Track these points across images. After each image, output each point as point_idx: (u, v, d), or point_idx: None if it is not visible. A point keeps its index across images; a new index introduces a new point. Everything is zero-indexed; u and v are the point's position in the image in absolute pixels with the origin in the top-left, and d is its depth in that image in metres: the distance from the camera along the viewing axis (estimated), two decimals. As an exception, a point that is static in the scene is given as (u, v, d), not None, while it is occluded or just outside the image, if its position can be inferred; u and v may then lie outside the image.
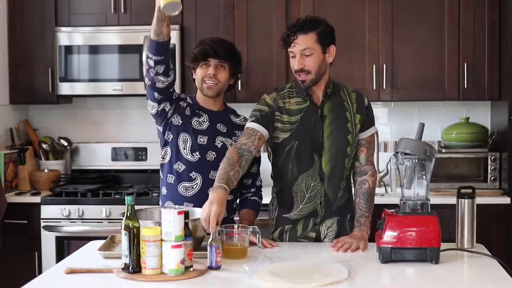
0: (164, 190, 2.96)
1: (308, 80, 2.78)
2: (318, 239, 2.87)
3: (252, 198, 3.02)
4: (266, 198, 3.08)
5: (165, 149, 2.94)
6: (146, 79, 2.84)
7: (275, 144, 2.85)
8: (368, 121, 2.91)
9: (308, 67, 2.76)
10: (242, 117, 3.02)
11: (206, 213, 2.43)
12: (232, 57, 2.89)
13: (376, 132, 3.03)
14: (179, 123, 2.90)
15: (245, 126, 2.82)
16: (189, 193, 2.89)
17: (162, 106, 2.86)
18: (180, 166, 2.90)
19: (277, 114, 2.83)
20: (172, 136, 2.91)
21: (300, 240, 2.88)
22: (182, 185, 2.90)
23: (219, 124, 2.94)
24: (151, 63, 2.74)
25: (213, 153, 2.89)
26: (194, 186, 2.88)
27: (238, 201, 3.03)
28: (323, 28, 2.79)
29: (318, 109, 2.83)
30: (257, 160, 3.01)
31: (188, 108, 2.94)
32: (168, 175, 2.93)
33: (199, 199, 2.79)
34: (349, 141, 2.84)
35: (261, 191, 3.08)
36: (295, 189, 2.85)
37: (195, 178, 2.88)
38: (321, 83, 2.83)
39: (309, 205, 2.85)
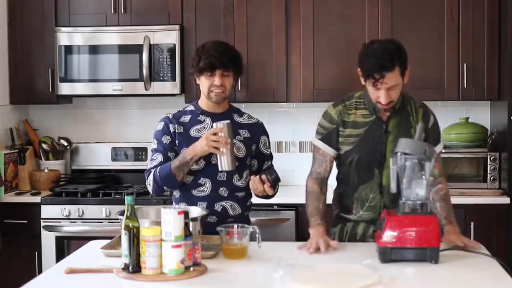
0: (176, 194, 3.00)
1: (391, 107, 2.79)
2: None
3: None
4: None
5: None
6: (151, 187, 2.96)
7: (339, 155, 2.89)
8: (434, 139, 2.86)
9: (393, 98, 2.74)
10: (246, 115, 3.04)
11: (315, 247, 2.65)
12: (236, 64, 2.91)
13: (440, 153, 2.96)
14: (176, 144, 2.95)
15: (313, 143, 2.94)
16: (201, 194, 2.94)
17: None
18: (187, 179, 2.94)
19: (340, 130, 2.86)
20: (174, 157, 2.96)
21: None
22: (195, 190, 2.94)
23: None
24: (162, 192, 2.97)
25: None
26: (205, 189, 2.93)
27: (251, 199, 3.06)
28: (402, 56, 2.73)
29: (383, 124, 2.84)
30: (267, 157, 3.04)
31: (186, 118, 2.98)
32: (176, 192, 2.99)
33: (211, 199, 2.92)
34: None
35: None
36: (356, 196, 2.87)
37: (204, 183, 2.93)
38: None
39: (369, 212, 2.87)
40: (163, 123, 2.97)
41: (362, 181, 2.86)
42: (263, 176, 2.76)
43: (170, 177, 2.85)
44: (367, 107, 2.85)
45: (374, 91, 2.74)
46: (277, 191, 3.01)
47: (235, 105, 3.19)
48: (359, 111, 2.86)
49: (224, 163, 2.79)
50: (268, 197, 2.99)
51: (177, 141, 2.94)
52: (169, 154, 2.93)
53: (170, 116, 2.98)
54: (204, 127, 2.94)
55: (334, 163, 2.96)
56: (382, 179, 2.84)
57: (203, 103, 2.99)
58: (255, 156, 3.01)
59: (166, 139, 2.94)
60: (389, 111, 2.82)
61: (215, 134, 2.76)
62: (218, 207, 2.92)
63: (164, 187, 2.91)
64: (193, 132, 2.94)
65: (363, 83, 2.79)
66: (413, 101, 2.90)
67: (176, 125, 2.95)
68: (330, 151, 2.89)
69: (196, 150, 2.81)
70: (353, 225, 2.91)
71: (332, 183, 3.00)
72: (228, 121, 2.81)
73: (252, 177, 2.81)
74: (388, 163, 2.77)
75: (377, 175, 2.84)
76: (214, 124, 2.79)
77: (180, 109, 3.03)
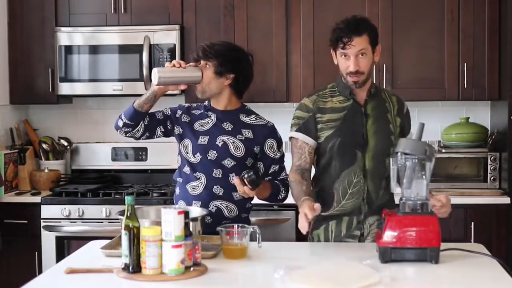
0: (177, 191, 3.04)
1: (361, 81, 2.82)
2: (362, 237, 2.86)
3: (274, 181, 3.00)
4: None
5: (177, 158, 3.04)
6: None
7: (318, 144, 2.87)
8: (408, 127, 2.96)
9: (362, 68, 2.79)
10: (253, 116, 3.02)
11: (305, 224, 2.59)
12: (212, 56, 2.90)
13: None
14: (180, 131, 3.00)
15: (290, 136, 2.91)
16: (196, 192, 2.94)
17: (157, 133, 3.00)
18: (187, 169, 2.97)
19: (318, 116, 2.86)
20: (178, 145, 3.02)
21: (344, 240, 2.87)
22: (189, 185, 2.97)
23: (225, 123, 2.96)
24: (120, 123, 2.95)
25: (214, 152, 2.93)
26: (200, 185, 2.94)
27: (251, 202, 3.05)
28: (372, 29, 2.84)
29: (362, 108, 2.87)
30: (274, 161, 3.00)
31: (197, 112, 3.02)
32: (178, 178, 3.03)
33: (205, 196, 2.93)
34: (392, 141, 2.84)
35: (287, 184, 3.02)
36: (336, 186, 2.86)
37: (199, 177, 2.95)
38: (366, 84, 2.87)
39: (351, 200, 2.85)
40: (176, 106, 3.06)
41: (345, 166, 2.84)
42: (244, 177, 2.72)
43: (130, 106, 2.91)
44: (342, 93, 2.89)
45: (343, 61, 2.81)
46: (284, 196, 3.01)
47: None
48: (335, 98, 2.89)
49: (163, 70, 2.85)
50: (276, 200, 3.01)
51: (181, 130, 2.98)
52: (156, 113, 2.99)
53: (185, 105, 3.06)
54: (208, 122, 2.97)
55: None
56: (365, 162, 2.84)
57: (212, 99, 3.01)
58: (261, 158, 2.99)
59: (166, 111, 3.02)
60: (360, 86, 2.83)
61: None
62: (212, 207, 2.91)
63: (122, 115, 2.94)
64: (197, 125, 2.97)
65: (335, 61, 2.86)
66: (385, 90, 2.99)
67: (184, 114, 3.00)
68: (309, 140, 2.86)
69: None
70: (336, 223, 2.87)
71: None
72: (201, 75, 2.87)
73: (234, 178, 2.82)
74: (371, 146, 2.84)
75: (360, 158, 2.84)
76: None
77: (199, 103, 3.07)
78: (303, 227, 2.57)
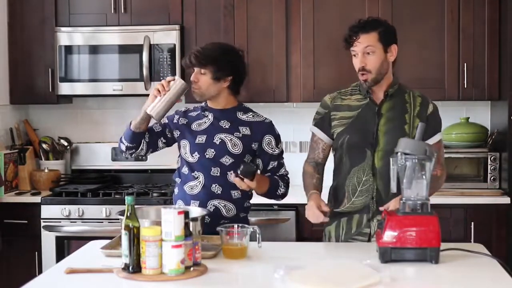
0: (175, 191, 3.06)
1: (370, 79, 2.85)
2: (370, 235, 2.87)
3: (274, 176, 3.01)
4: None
5: (177, 160, 3.08)
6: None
7: (333, 141, 2.97)
8: (431, 129, 2.85)
9: (369, 66, 2.83)
10: (251, 113, 3.03)
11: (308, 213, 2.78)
12: (207, 63, 2.90)
13: (441, 140, 2.95)
14: (178, 134, 3.03)
15: (310, 129, 3.02)
16: (194, 191, 2.95)
17: (160, 145, 3.04)
18: (185, 169, 3.00)
19: (333, 114, 2.95)
20: (178, 147, 3.05)
21: (354, 238, 2.89)
22: (187, 185, 2.98)
23: (222, 121, 2.98)
24: (123, 147, 2.99)
25: (212, 150, 2.94)
26: (198, 184, 2.95)
27: (249, 201, 3.05)
28: (384, 28, 2.87)
29: (376, 107, 2.89)
30: (273, 157, 3.01)
31: (194, 113, 3.05)
32: (177, 179, 3.05)
33: (203, 196, 2.93)
34: None
35: (287, 180, 3.05)
36: (347, 183, 2.90)
37: (197, 176, 2.96)
38: (382, 83, 2.89)
39: (361, 198, 2.88)
40: (173, 113, 3.07)
41: (355, 163, 2.88)
42: (238, 174, 2.74)
43: (130, 134, 2.94)
44: (361, 92, 2.93)
45: (354, 59, 2.88)
46: (284, 192, 3.02)
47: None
48: (354, 96, 2.95)
49: (153, 106, 2.84)
50: (276, 196, 3.01)
51: (179, 132, 3.01)
52: (154, 127, 3.02)
53: (181, 110, 3.08)
54: (205, 122, 2.99)
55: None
56: (375, 161, 2.86)
57: (209, 101, 3.03)
58: (259, 155, 3.00)
59: (163, 120, 3.03)
60: (370, 84, 2.85)
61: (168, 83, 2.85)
62: (210, 206, 2.92)
63: (122, 138, 2.97)
64: (194, 126, 3.00)
65: (353, 63, 2.90)
66: (411, 91, 2.98)
67: (181, 118, 3.03)
68: (323, 136, 2.98)
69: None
70: (347, 220, 2.91)
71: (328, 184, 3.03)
72: (184, 83, 2.86)
73: (232, 177, 2.82)
74: (381, 145, 2.85)
75: (369, 156, 2.87)
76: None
77: (196, 105, 3.10)
78: (314, 215, 2.73)
